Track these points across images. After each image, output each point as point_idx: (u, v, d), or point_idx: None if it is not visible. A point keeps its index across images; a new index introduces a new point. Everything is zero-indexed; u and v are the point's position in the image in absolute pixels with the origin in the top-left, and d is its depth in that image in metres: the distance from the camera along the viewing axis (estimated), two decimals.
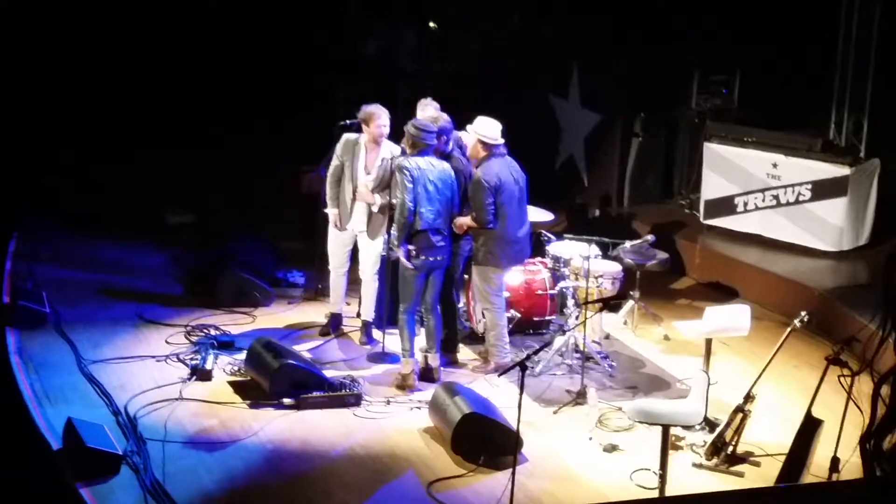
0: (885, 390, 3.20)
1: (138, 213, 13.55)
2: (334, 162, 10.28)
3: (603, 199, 14.25)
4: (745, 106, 13.54)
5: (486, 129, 9.75)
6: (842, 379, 7.35)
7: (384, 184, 9.92)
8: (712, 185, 13.04)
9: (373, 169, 10.08)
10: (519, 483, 7.66)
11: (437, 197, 9.52)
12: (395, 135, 10.04)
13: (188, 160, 14.53)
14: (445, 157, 9.82)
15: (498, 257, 9.78)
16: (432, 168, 9.52)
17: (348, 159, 10.17)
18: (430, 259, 9.57)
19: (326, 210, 10.42)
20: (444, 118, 9.93)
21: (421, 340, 9.87)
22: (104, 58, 14.66)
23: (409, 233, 9.47)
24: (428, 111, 10.05)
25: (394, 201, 9.68)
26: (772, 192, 12.56)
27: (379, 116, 10.05)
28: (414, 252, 9.49)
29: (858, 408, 7.39)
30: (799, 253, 12.28)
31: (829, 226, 12.21)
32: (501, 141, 9.77)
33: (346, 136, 10.26)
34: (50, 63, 14.44)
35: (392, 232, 9.89)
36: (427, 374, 9.72)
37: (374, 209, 10.13)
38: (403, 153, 9.73)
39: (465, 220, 9.71)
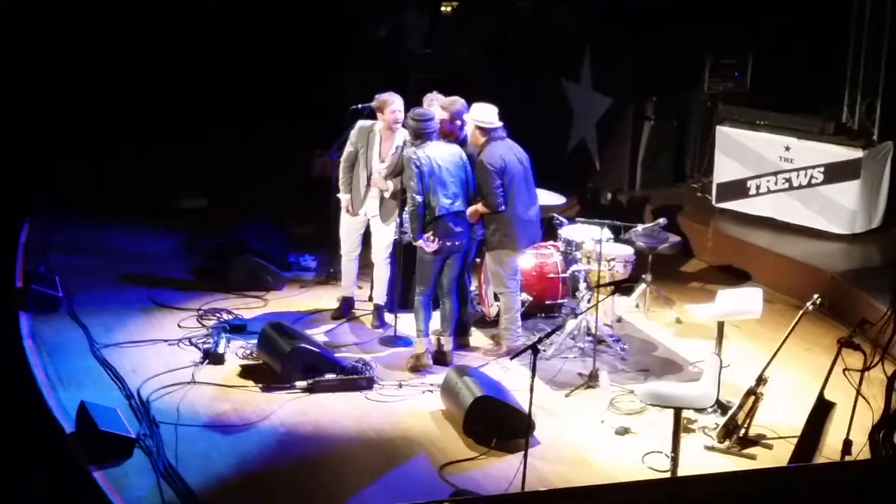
0: None
1: (151, 198, 13.56)
2: (348, 148, 10.28)
3: (615, 182, 14.23)
4: (757, 89, 13.50)
5: (482, 114, 9.75)
6: (847, 373, 7.35)
7: (397, 171, 9.94)
8: (724, 169, 13.02)
9: (387, 157, 10.09)
10: (531, 466, 7.67)
11: (451, 180, 9.53)
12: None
13: (200, 145, 14.56)
14: (463, 140, 9.84)
15: (513, 239, 9.78)
16: (441, 153, 9.54)
17: (363, 146, 10.18)
18: (449, 244, 9.58)
19: (339, 195, 10.43)
20: (461, 102, 9.94)
21: (435, 323, 9.88)
22: (116, 44, 14.68)
23: (423, 223, 9.49)
24: (434, 105, 10.05)
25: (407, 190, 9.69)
26: (784, 176, 12.54)
27: (393, 103, 10.05)
28: (432, 239, 9.50)
29: (866, 400, 7.41)
30: (811, 236, 12.26)
31: (842, 209, 12.19)
32: (499, 124, 9.76)
33: (361, 123, 10.26)
34: (62, 51, 14.47)
35: (405, 218, 9.91)
36: (440, 358, 9.73)
37: (387, 195, 10.14)
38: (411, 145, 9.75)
39: (475, 208, 9.71)
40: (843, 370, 7.46)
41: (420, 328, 9.71)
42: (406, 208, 9.70)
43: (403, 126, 9.94)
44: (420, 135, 9.53)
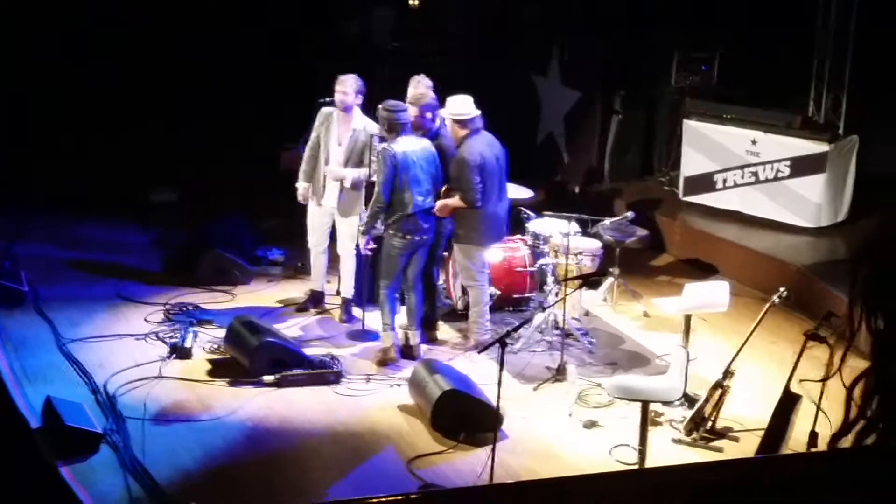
0: (857, 392, 3.17)
1: (119, 192, 13.49)
2: (312, 135, 10.26)
3: (583, 176, 14.26)
4: (724, 83, 13.55)
5: (457, 107, 9.71)
6: (815, 363, 7.38)
7: (356, 157, 9.90)
8: (692, 162, 13.06)
9: (344, 140, 10.05)
10: (499, 459, 7.68)
11: (424, 177, 9.51)
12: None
13: (169, 139, 14.49)
14: (434, 135, 9.80)
15: (480, 235, 9.77)
16: (414, 148, 9.50)
17: (323, 131, 10.15)
18: (416, 239, 9.56)
19: (297, 184, 10.37)
20: (430, 96, 9.91)
21: (402, 318, 9.87)
22: (85, 38, 14.59)
23: (378, 220, 9.45)
24: (420, 88, 10.01)
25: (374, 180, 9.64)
26: (751, 169, 12.60)
27: (341, 83, 10.00)
28: (397, 237, 9.47)
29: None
30: (778, 229, 12.32)
31: (808, 202, 12.26)
32: (477, 112, 9.74)
33: (324, 108, 10.24)
34: (31, 44, 14.37)
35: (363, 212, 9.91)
36: (407, 352, 9.72)
37: (347, 184, 10.08)
38: (381, 139, 9.71)
39: (451, 202, 9.68)
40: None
41: (386, 322, 9.69)
42: (372, 201, 9.62)
43: (374, 117, 9.86)
44: (393, 126, 9.43)
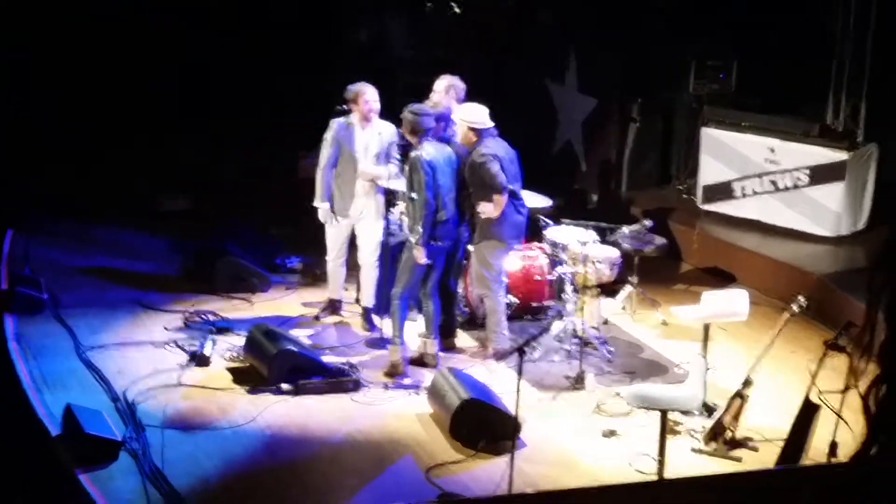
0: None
1: (136, 200, 13.52)
2: (326, 150, 10.15)
3: (601, 184, 14.24)
4: (742, 91, 13.51)
5: (472, 115, 9.69)
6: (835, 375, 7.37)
7: (384, 159, 9.95)
8: (710, 171, 13.03)
9: (371, 145, 10.04)
10: (517, 468, 7.66)
11: (451, 184, 9.53)
12: (394, 120, 10.01)
13: (185, 146, 14.52)
14: (445, 142, 9.81)
15: (499, 231, 9.66)
16: (441, 154, 9.51)
17: (346, 142, 10.10)
18: (440, 245, 9.55)
19: (315, 204, 10.32)
20: (443, 105, 9.92)
21: (419, 326, 9.86)
22: (100, 43, 14.63)
23: (432, 229, 9.44)
24: (443, 83, 10.08)
25: (413, 195, 9.48)
26: (769, 177, 12.57)
27: (365, 93, 9.99)
28: (439, 243, 9.47)
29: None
30: (797, 238, 12.29)
31: (827, 211, 12.22)
32: (491, 124, 9.73)
33: (337, 121, 10.18)
34: (46, 48, 14.41)
35: (391, 220, 9.88)
36: (426, 360, 9.71)
37: (383, 182, 10.05)
38: (402, 143, 9.72)
39: (489, 206, 9.63)
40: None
41: (395, 335, 9.64)
42: (411, 212, 9.54)
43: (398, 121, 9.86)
44: (417, 130, 9.44)
